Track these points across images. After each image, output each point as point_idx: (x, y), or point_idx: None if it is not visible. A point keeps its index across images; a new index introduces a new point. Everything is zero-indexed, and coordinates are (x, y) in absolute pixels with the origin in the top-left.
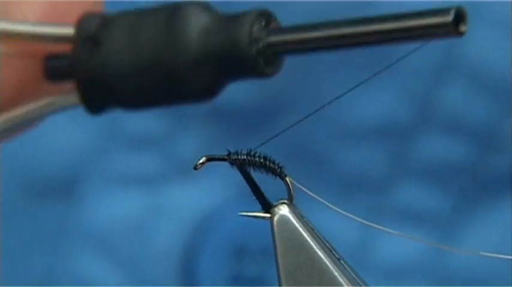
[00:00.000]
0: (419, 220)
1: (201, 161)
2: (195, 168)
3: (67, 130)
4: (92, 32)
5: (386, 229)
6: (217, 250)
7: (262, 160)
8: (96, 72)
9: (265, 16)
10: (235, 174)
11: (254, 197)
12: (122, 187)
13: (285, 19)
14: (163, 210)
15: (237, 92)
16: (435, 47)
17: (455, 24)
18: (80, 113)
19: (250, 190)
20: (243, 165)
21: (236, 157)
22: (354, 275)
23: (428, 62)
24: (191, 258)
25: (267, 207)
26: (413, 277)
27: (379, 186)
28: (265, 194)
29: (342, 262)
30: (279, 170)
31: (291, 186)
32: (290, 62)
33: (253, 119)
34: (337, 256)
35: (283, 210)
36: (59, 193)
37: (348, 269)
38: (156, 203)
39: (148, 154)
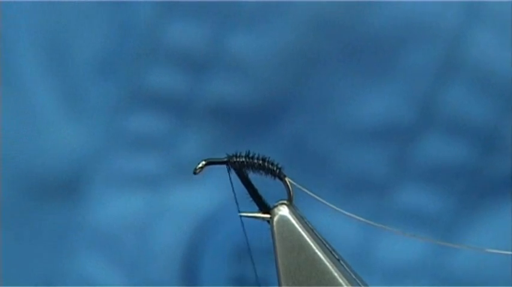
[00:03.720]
0: (421, 222)
1: (200, 165)
2: (195, 172)
3: (69, 130)
4: None
5: (386, 227)
6: (219, 250)
7: (261, 162)
8: None
9: None
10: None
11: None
12: (124, 188)
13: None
14: (166, 211)
15: (240, 93)
16: (437, 48)
17: None
18: (83, 113)
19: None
20: (242, 167)
21: (235, 160)
22: (353, 276)
23: (430, 63)
24: (193, 258)
25: (266, 210)
26: (416, 276)
27: (380, 188)
28: (264, 197)
29: (342, 263)
30: (278, 171)
31: (290, 187)
32: (291, 63)
33: (256, 120)
34: (336, 256)
35: (283, 211)
36: (61, 194)
37: (348, 269)
38: (158, 204)
39: (151, 155)
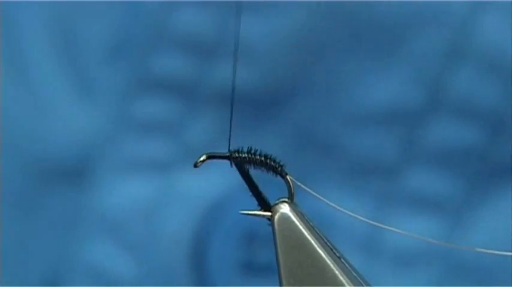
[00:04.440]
0: (430, 205)
1: (201, 158)
2: (195, 165)
3: (78, 115)
4: None
5: (387, 227)
6: (226, 235)
7: (263, 158)
8: None
9: None
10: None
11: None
12: (133, 173)
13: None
14: (174, 196)
15: (247, 79)
16: (444, 32)
17: None
18: (91, 98)
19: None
20: (244, 163)
21: (237, 155)
22: (354, 274)
23: (438, 46)
24: (201, 244)
25: (266, 207)
26: (421, 266)
27: (389, 171)
28: (264, 194)
29: (343, 261)
30: (279, 168)
31: (291, 184)
32: (298, 49)
33: (264, 105)
34: (337, 254)
35: (284, 208)
36: (70, 179)
37: (349, 267)
38: (166, 189)
39: (159, 140)
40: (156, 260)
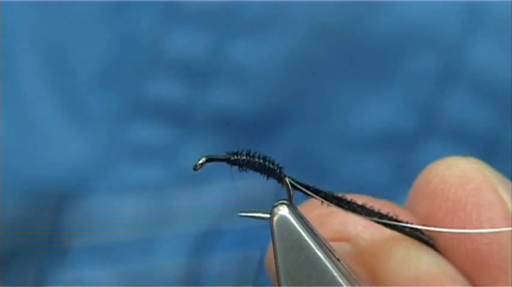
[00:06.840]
0: None
1: (200, 161)
2: (195, 168)
3: (72, 141)
4: None
5: (389, 222)
6: (221, 258)
7: (261, 161)
8: None
9: None
10: (238, 183)
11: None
12: (126, 197)
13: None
14: (168, 220)
15: (241, 102)
16: (437, 55)
17: None
18: (85, 123)
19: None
20: (243, 165)
21: (236, 158)
22: (353, 276)
23: (430, 70)
24: (196, 267)
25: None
26: None
27: (381, 195)
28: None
29: (341, 263)
30: (278, 170)
31: (290, 187)
32: (292, 72)
33: (258, 129)
34: (336, 256)
35: (283, 210)
36: (64, 205)
37: (347, 269)
38: (160, 213)
39: (152, 164)
40: (149, 284)
